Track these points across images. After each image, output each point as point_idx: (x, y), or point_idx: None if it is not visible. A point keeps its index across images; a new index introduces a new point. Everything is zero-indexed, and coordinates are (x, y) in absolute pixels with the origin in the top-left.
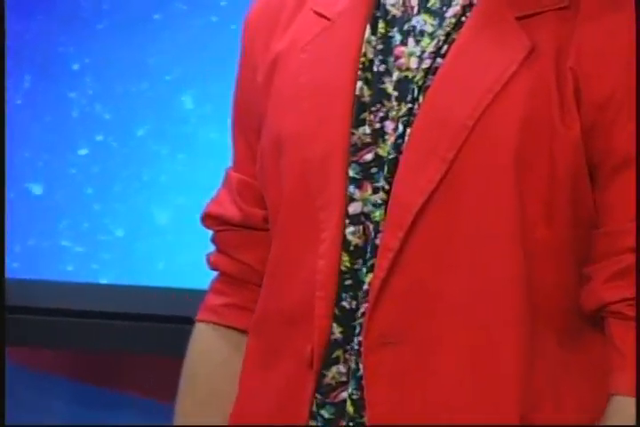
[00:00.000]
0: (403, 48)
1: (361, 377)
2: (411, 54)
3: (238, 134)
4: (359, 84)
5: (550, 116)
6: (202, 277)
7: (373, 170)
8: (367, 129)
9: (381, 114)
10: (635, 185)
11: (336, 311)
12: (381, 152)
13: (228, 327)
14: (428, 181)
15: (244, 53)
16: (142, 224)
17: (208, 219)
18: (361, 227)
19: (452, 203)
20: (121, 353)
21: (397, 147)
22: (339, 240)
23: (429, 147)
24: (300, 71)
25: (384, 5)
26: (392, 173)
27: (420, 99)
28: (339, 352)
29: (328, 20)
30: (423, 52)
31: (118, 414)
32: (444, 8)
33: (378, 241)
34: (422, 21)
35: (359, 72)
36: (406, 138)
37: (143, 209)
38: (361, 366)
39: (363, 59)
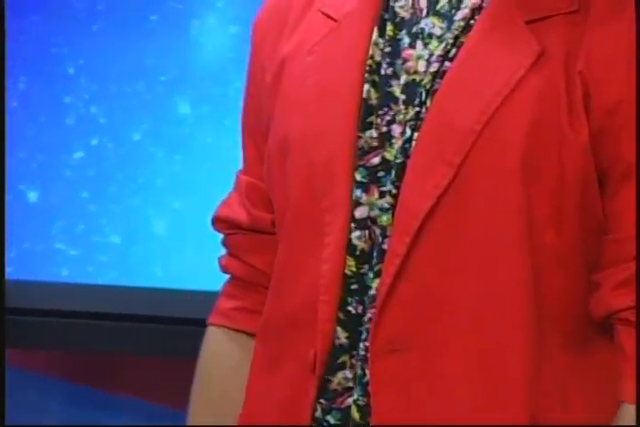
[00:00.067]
0: (411, 51)
1: (367, 383)
2: (419, 57)
3: (247, 137)
4: (366, 86)
5: (559, 121)
6: (197, 279)
7: (380, 174)
8: (374, 132)
9: (388, 117)
10: (635, 192)
11: (341, 316)
12: (388, 156)
13: (239, 331)
14: (434, 185)
15: (253, 55)
16: (138, 227)
17: (218, 222)
18: (367, 231)
19: (460, 208)
20: (114, 354)
21: (405, 151)
22: (343, 244)
23: (437, 151)
24: (306, 73)
25: (392, 7)
26: (400, 177)
27: (428, 102)
28: (345, 358)
29: (335, 21)
30: (431, 55)
31: (112, 416)
32: (453, 11)
33: (385, 246)
34: (431, 24)
35: (366, 75)
36: (413, 142)
37: (139, 212)
38: (367, 372)
39: (370, 61)
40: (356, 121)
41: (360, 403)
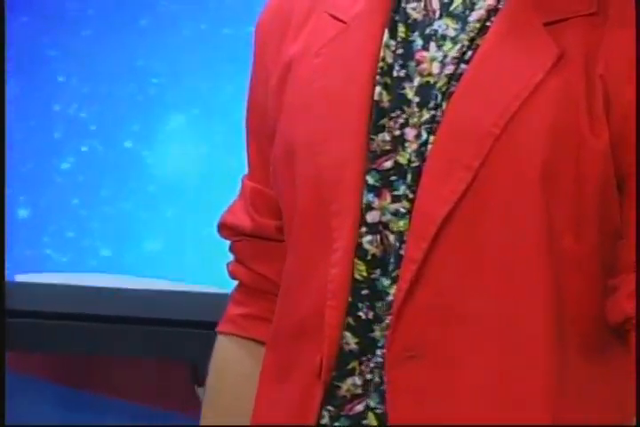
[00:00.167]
0: (424, 53)
1: (385, 390)
2: (433, 59)
3: (251, 141)
4: (378, 89)
5: (579, 125)
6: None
7: (393, 178)
8: (387, 136)
9: (401, 120)
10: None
11: (350, 321)
12: (401, 160)
13: (247, 338)
14: (452, 190)
15: (256, 57)
16: (129, 233)
17: (223, 229)
18: (378, 236)
19: (478, 212)
20: (105, 356)
21: (421, 154)
22: (352, 249)
23: (454, 155)
24: (313, 76)
25: (404, 9)
26: (416, 181)
27: (444, 105)
28: (354, 364)
29: (344, 23)
30: (445, 57)
31: (96, 416)
32: (467, 12)
33: (402, 251)
34: (444, 26)
35: (377, 77)
36: (429, 145)
37: (130, 218)
38: (384, 379)
39: (381, 63)
40: (367, 123)
41: (378, 411)
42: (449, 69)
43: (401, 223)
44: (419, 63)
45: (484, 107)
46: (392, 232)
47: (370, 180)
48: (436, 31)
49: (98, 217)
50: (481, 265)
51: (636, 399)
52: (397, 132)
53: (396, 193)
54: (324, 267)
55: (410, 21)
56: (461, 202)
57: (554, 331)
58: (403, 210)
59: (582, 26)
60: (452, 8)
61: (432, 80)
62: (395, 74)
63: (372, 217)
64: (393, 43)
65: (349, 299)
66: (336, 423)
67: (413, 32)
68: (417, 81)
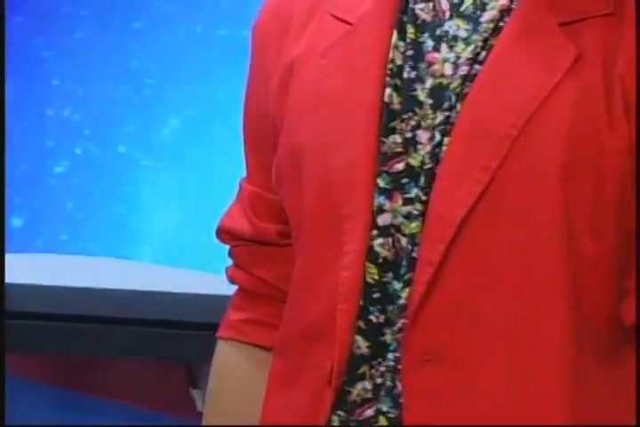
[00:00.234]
0: (436, 54)
1: (398, 395)
2: (445, 60)
3: (250, 143)
4: (388, 90)
5: (597, 126)
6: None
7: (404, 180)
8: (398, 138)
9: (413, 122)
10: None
11: (362, 325)
12: (413, 162)
13: (247, 343)
14: (469, 192)
15: (255, 59)
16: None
17: (221, 233)
18: (390, 239)
19: (495, 214)
20: (101, 358)
21: (435, 156)
22: (363, 252)
23: (470, 157)
24: (319, 77)
25: (412, 10)
26: (429, 183)
27: (458, 107)
28: (365, 368)
29: (349, 24)
30: (458, 57)
31: (91, 417)
32: (478, 12)
33: (415, 254)
34: (455, 26)
35: (387, 78)
36: (444, 147)
37: (124, 222)
38: (398, 383)
39: (391, 65)
40: (377, 125)
41: (390, 415)
42: (463, 70)
43: (413, 226)
44: (430, 64)
45: (500, 108)
46: (404, 235)
47: (381, 182)
48: (446, 32)
49: (92, 221)
50: (498, 267)
51: (636, 399)
52: (409, 135)
53: (407, 195)
54: (334, 270)
55: (419, 22)
56: (478, 204)
57: (571, 332)
58: (415, 212)
59: (599, 26)
60: (462, 9)
61: (445, 81)
62: (405, 75)
63: (383, 220)
64: (402, 44)
65: (360, 302)
66: None
67: (423, 33)
68: (429, 82)
